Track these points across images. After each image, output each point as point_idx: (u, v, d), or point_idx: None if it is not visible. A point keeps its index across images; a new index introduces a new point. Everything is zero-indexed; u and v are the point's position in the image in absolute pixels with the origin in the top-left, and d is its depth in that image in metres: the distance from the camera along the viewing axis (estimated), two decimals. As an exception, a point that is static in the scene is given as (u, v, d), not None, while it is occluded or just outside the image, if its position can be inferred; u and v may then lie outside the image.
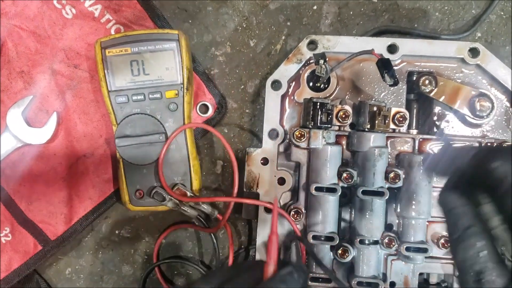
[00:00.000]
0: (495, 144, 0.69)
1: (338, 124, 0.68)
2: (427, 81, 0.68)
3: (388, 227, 0.69)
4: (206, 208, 0.73)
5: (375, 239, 0.66)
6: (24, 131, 0.75)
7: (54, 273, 0.81)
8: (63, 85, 0.76)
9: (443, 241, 0.69)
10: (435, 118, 0.71)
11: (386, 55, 0.70)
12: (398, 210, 0.68)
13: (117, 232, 0.81)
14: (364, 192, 0.65)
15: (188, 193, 0.72)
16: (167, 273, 0.81)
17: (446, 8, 0.77)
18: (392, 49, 0.70)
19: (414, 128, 0.71)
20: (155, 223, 0.80)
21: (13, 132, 0.75)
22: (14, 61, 0.76)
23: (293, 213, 0.69)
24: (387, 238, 0.66)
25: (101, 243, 0.81)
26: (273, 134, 0.72)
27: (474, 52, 0.70)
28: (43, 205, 0.76)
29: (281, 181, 0.72)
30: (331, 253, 0.69)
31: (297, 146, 0.68)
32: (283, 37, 0.78)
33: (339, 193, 0.66)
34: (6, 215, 0.76)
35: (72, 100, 0.76)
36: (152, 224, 0.80)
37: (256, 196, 0.72)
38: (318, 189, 0.66)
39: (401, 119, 0.67)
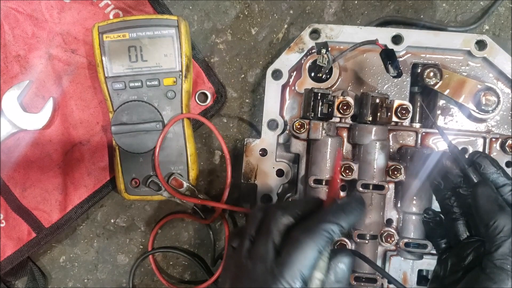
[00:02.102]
0: (499, 140, 0.68)
1: (339, 115, 0.67)
2: (431, 74, 0.67)
3: (387, 222, 0.68)
4: (202, 198, 0.72)
5: (374, 234, 0.65)
6: (19, 117, 0.74)
7: (48, 261, 0.80)
8: (60, 70, 0.75)
9: None
10: (439, 111, 0.70)
11: (391, 46, 0.68)
12: (399, 205, 0.67)
13: (112, 221, 0.80)
14: (363, 186, 0.64)
15: (185, 183, 0.71)
16: (162, 264, 0.80)
17: (453, -1, 0.75)
18: (396, 40, 0.69)
19: (417, 121, 0.70)
20: (151, 213, 0.79)
21: (9, 117, 0.74)
22: (10, 45, 0.75)
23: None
24: (386, 233, 0.65)
25: (96, 231, 0.80)
26: (272, 124, 0.71)
27: (481, 44, 0.68)
28: (37, 192, 0.75)
29: (280, 172, 0.71)
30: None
31: (297, 138, 0.67)
32: (286, 26, 0.77)
33: (339, 186, 0.65)
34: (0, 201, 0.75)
35: (69, 85, 0.75)
36: (148, 213, 0.79)
37: (254, 188, 0.71)
38: (317, 181, 0.65)
39: (404, 112, 0.65)
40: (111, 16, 0.75)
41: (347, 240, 0.66)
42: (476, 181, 0.54)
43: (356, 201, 0.51)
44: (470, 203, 0.54)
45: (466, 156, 0.57)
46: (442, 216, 0.63)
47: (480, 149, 0.68)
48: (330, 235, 0.47)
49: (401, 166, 0.65)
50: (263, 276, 0.47)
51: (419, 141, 0.68)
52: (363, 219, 0.53)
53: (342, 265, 0.48)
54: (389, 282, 0.69)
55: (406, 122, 0.68)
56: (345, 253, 0.49)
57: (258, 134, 0.73)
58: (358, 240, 0.65)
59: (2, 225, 0.76)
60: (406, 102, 0.66)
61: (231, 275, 0.51)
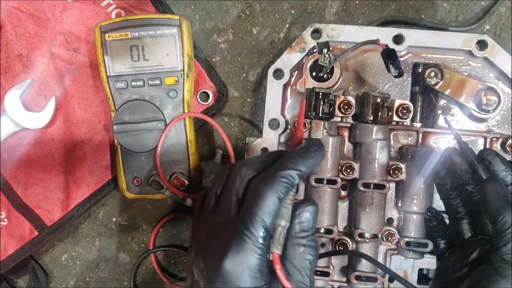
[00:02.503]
0: (500, 139, 0.68)
1: (341, 115, 0.67)
2: (432, 73, 0.67)
3: (388, 221, 0.68)
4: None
5: (375, 233, 0.66)
6: (22, 115, 0.74)
7: (50, 259, 0.81)
8: (62, 69, 0.75)
9: None
10: (439, 111, 0.70)
11: (392, 45, 0.68)
12: (400, 204, 0.67)
13: (114, 219, 0.80)
14: (364, 185, 0.64)
15: (186, 182, 0.71)
16: (163, 262, 0.81)
17: (454, -1, 0.75)
18: (398, 39, 0.69)
19: (418, 121, 0.70)
20: (152, 211, 0.80)
21: (11, 116, 0.74)
22: (13, 44, 0.75)
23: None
24: (387, 232, 0.66)
25: (98, 230, 0.80)
26: (274, 124, 0.71)
27: (482, 44, 0.68)
28: (39, 191, 0.76)
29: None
30: (330, 246, 0.68)
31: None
32: (287, 25, 0.77)
33: (339, 185, 0.65)
34: (2, 199, 0.76)
35: (71, 84, 0.75)
36: (150, 212, 0.80)
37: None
38: (318, 180, 0.65)
39: (405, 111, 0.66)
40: (113, 16, 0.75)
41: (348, 239, 0.67)
42: (485, 178, 0.54)
43: (313, 144, 0.52)
44: (477, 201, 0.54)
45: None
46: (443, 216, 0.63)
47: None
48: (288, 180, 0.48)
49: (402, 166, 0.65)
50: (227, 228, 0.48)
51: (420, 141, 0.68)
52: (323, 162, 0.53)
53: (307, 213, 0.49)
54: (390, 281, 0.70)
55: (407, 122, 0.68)
56: (309, 202, 0.50)
57: (260, 133, 0.73)
58: (358, 239, 0.66)
59: (4, 223, 0.76)
60: (407, 102, 0.66)
61: (197, 234, 0.52)
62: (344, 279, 0.70)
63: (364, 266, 0.66)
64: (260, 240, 0.46)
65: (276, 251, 0.47)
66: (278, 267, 0.46)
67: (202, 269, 0.48)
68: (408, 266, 0.70)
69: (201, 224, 0.52)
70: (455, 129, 0.59)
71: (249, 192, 0.49)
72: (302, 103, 0.59)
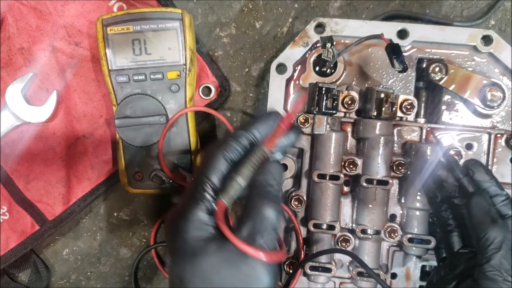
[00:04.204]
0: (504, 135, 0.67)
1: (344, 110, 0.67)
2: (437, 69, 0.66)
3: (391, 217, 0.68)
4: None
5: (378, 229, 0.65)
6: (23, 109, 0.74)
7: (51, 254, 0.81)
8: (64, 63, 0.75)
9: None
10: (444, 107, 0.69)
11: (396, 40, 0.67)
12: (403, 200, 0.67)
13: (115, 214, 0.80)
14: (367, 181, 0.64)
15: (188, 177, 0.71)
16: (164, 258, 0.80)
17: (459, -7, 0.75)
18: (402, 34, 0.68)
19: (422, 116, 0.69)
20: (153, 206, 0.80)
21: (12, 110, 0.73)
22: (15, 37, 0.74)
23: (294, 200, 0.68)
24: (389, 228, 0.65)
25: (99, 224, 0.80)
26: (276, 119, 0.71)
27: (487, 40, 0.68)
28: (41, 185, 0.75)
29: (284, 167, 0.71)
30: (333, 242, 0.68)
31: (301, 132, 0.67)
32: (290, 20, 0.76)
33: (342, 181, 0.65)
34: (3, 193, 0.76)
35: (73, 78, 0.75)
36: (151, 207, 0.80)
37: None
38: (321, 176, 0.65)
39: (409, 107, 0.65)
40: (115, 9, 0.74)
41: (350, 235, 0.66)
42: (470, 191, 0.55)
43: (271, 113, 0.53)
44: (463, 214, 0.55)
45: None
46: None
47: (485, 145, 0.68)
48: (235, 140, 0.49)
49: (405, 162, 0.65)
50: (183, 199, 0.49)
51: (423, 137, 0.68)
52: (325, 158, 0.55)
53: (271, 168, 0.49)
54: (393, 277, 0.69)
55: (411, 117, 0.68)
56: (274, 162, 0.50)
57: (262, 129, 0.73)
58: (361, 235, 0.65)
59: (5, 217, 0.76)
60: (411, 97, 0.66)
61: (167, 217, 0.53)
62: (347, 275, 0.70)
63: (366, 262, 0.66)
64: (205, 194, 0.47)
65: (220, 198, 0.47)
66: (219, 215, 0.46)
67: (167, 238, 0.50)
68: (410, 262, 0.70)
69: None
70: (442, 143, 0.60)
71: (202, 158, 0.51)
72: (302, 96, 0.60)
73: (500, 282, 0.48)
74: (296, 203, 0.68)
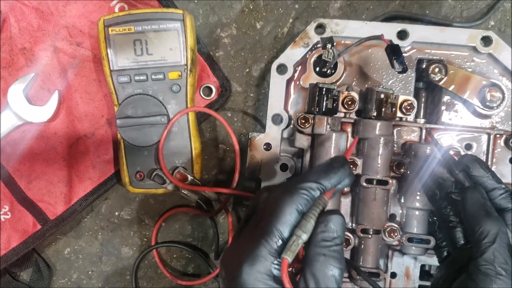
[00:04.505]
0: (504, 136, 0.68)
1: (344, 110, 0.67)
2: (437, 69, 0.67)
3: (391, 217, 0.68)
4: (206, 192, 0.72)
5: (378, 229, 0.65)
6: (25, 109, 0.74)
7: (53, 253, 0.81)
8: (65, 63, 0.75)
9: None
10: (443, 107, 0.70)
11: (396, 41, 0.68)
12: (402, 200, 0.67)
13: (116, 213, 0.80)
14: (367, 181, 0.64)
15: (189, 177, 0.71)
16: (165, 257, 0.81)
17: (459, -6, 0.75)
18: (402, 35, 0.69)
19: (421, 117, 0.70)
20: (155, 206, 0.80)
21: (14, 109, 0.74)
22: (16, 37, 0.75)
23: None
24: (389, 228, 0.65)
25: (101, 224, 0.80)
26: (277, 119, 0.71)
27: (486, 40, 0.68)
28: (42, 184, 0.76)
29: (284, 167, 0.71)
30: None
31: (301, 132, 0.67)
32: (291, 20, 0.76)
33: (343, 181, 0.65)
34: (5, 193, 0.76)
35: (74, 78, 0.75)
36: (152, 206, 0.80)
37: (258, 182, 0.71)
38: (321, 176, 0.65)
39: (408, 107, 0.66)
40: (116, 10, 0.75)
41: (350, 235, 0.67)
42: (466, 186, 0.54)
43: (336, 161, 0.52)
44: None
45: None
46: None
47: (485, 145, 0.68)
48: (308, 192, 0.48)
49: (405, 162, 0.65)
50: (248, 240, 0.48)
51: (423, 137, 0.68)
52: (350, 179, 0.53)
53: (330, 223, 0.48)
54: (392, 276, 0.70)
55: (411, 118, 0.68)
56: (334, 212, 0.49)
57: (263, 129, 0.73)
58: (361, 235, 0.65)
59: (7, 217, 0.76)
60: (411, 98, 0.66)
61: (228, 248, 0.53)
62: (346, 274, 0.70)
63: (366, 261, 0.66)
64: (275, 248, 0.46)
65: (285, 256, 0.46)
66: (284, 275, 0.45)
67: (224, 278, 0.49)
68: (410, 262, 0.70)
69: (234, 237, 0.53)
70: (437, 140, 0.60)
71: (269, 203, 0.49)
72: (354, 140, 0.63)
73: (493, 276, 0.48)
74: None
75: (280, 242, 0.46)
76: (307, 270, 0.46)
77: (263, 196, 0.53)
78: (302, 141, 0.68)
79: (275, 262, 0.46)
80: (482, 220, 0.50)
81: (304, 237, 0.47)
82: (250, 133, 0.71)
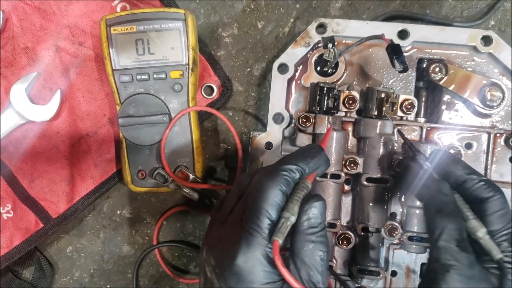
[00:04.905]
0: (504, 135, 0.68)
1: (345, 110, 0.67)
2: (437, 69, 0.67)
3: (391, 215, 0.69)
4: (213, 183, 0.72)
5: (378, 227, 0.66)
6: (27, 108, 0.74)
7: (55, 251, 0.81)
8: (68, 62, 0.75)
9: None
10: (444, 106, 0.70)
11: (397, 40, 0.68)
12: (403, 199, 0.68)
13: (118, 212, 0.81)
14: (368, 180, 0.65)
15: (191, 176, 0.72)
16: (167, 255, 0.81)
17: (459, -6, 0.75)
18: (402, 34, 0.69)
19: (422, 116, 0.70)
20: (156, 204, 0.80)
21: (17, 108, 0.74)
22: (19, 37, 0.75)
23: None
24: (390, 227, 0.66)
25: (103, 222, 0.81)
26: (278, 118, 0.71)
27: (486, 40, 0.68)
28: (45, 183, 0.76)
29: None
30: (333, 240, 0.68)
31: (302, 131, 0.68)
32: (292, 20, 0.77)
33: (343, 180, 0.66)
34: (8, 191, 0.76)
35: (76, 78, 0.76)
36: (154, 205, 0.80)
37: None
38: (322, 175, 0.65)
39: (409, 106, 0.66)
40: (118, 9, 0.75)
41: (351, 233, 0.67)
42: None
43: (313, 147, 0.54)
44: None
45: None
46: None
47: (485, 145, 0.68)
48: (288, 173, 0.49)
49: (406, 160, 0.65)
50: (237, 226, 0.48)
51: (423, 136, 0.68)
52: (326, 165, 0.54)
53: (314, 209, 0.48)
54: (393, 275, 0.70)
55: (411, 117, 0.69)
56: (316, 198, 0.49)
57: (264, 128, 0.74)
58: (362, 233, 0.66)
59: (10, 215, 0.77)
60: (412, 97, 0.66)
61: (209, 235, 0.53)
62: (347, 272, 0.70)
63: (366, 259, 0.67)
64: (267, 232, 0.46)
65: (276, 238, 0.46)
66: (276, 257, 0.45)
67: (214, 266, 0.48)
68: (410, 260, 0.71)
69: (215, 225, 0.53)
70: (407, 138, 0.61)
71: (251, 187, 0.49)
72: (329, 128, 0.64)
73: (440, 273, 0.48)
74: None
75: (270, 225, 0.47)
76: (297, 258, 0.47)
77: (245, 182, 0.53)
78: (303, 140, 0.69)
79: (269, 245, 0.46)
80: (432, 216, 0.51)
81: (292, 219, 0.47)
82: (251, 132, 0.72)
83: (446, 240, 0.48)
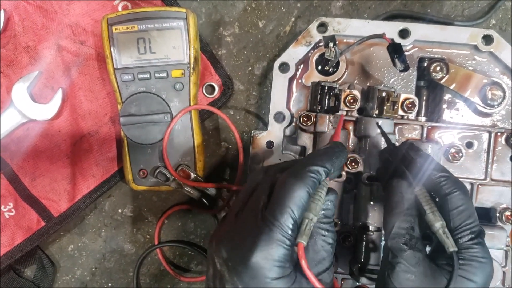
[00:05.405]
0: (505, 134, 0.68)
1: (346, 109, 0.67)
2: (438, 68, 0.67)
3: (392, 214, 0.69)
4: (209, 189, 0.73)
5: (379, 226, 0.66)
6: (29, 107, 0.74)
7: (57, 250, 0.81)
8: (69, 61, 0.76)
9: (508, 214, 0.67)
10: (445, 105, 0.70)
11: (398, 40, 0.68)
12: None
13: (120, 211, 0.81)
14: (369, 178, 0.65)
15: (192, 174, 0.72)
16: (168, 254, 0.81)
17: (460, -7, 0.75)
18: (403, 34, 0.69)
19: (423, 115, 0.70)
20: (158, 203, 0.80)
21: (18, 107, 0.74)
22: (20, 36, 0.75)
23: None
24: (391, 225, 0.66)
25: (104, 221, 0.81)
26: (279, 117, 0.71)
27: (487, 39, 0.68)
28: (46, 182, 0.76)
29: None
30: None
31: (303, 130, 0.68)
32: (293, 19, 0.77)
33: (344, 179, 0.66)
34: (10, 190, 0.76)
35: (78, 77, 0.76)
36: (155, 204, 0.80)
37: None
38: (323, 174, 0.65)
39: (410, 105, 0.66)
40: (119, 8, 0.75)
41: (351, 232, 0.67)
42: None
43: (337, 146, 0.56)
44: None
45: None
46: None
47: (485, 143, 0.68)
48: (316, 176, 0.49)
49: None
50: (255, 220, 0.48)
51: (424, 135, 0.68)
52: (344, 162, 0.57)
53: (329, 202, 0.52)
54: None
55: (412, 116, 0.69)
56: (332, 192, 0.52)
57: (265, 127, 0.74)
58: (362, 232, 0.66)
59: (11, 214, 0.77)
60: (412, 96, 0.66)
61: (220, 227, 0.53)
62: (348, 271, 0.71)
63: (367, 258, 0.67)
64: (289, 232, 0.46)
65: (301, 241, 0.46)
66: (303, 260, 0.46)
67: (226, 259, 0.48)
68: (411, 259, 0.70)
69: (228, 218, 0.53)
70: (385, 132, 0.62)
71: (278, 186, 0.49)
72: (341, 117, 0.64)
73: (389, 269, 0.50)
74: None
75: (293, 225, 0.47)
76: (312, 246, 0.50)
77: (259, 177, 0.53)
78: (304, 139, 0.69)
79: (289, 244, 0.47)
80: (385, 215, 0.53)
81: (315, 219, 0.48)
82: (252, 131, 0.72)
83: (393, 238, 0.50)
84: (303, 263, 0.45)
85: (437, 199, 0.52)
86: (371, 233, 0.66)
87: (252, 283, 0.46)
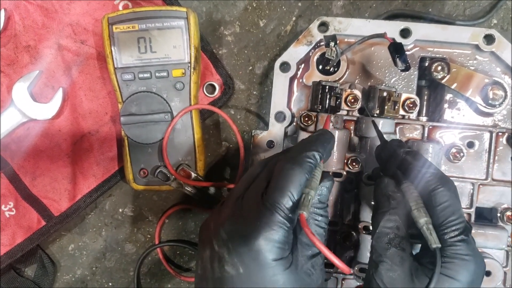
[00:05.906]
0: (506, 134, 0.68)
1: (347, 108, 0.67)
2: (439, 68, 0.67)
3: (393, 214, 0.69)
4: (210, 188, 0.72)
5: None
6: (29, 106, 0.74)
7: (57, 249, 0.81)
8: (70, 60, 0.76)
9: (509, 214, 0.67)
10: (446, 105, 0.70)
11: (399, 39, 0.68)
12: (404, 197, 0.68)
13: (120, 210, 0.81)
14: (369, 178, 0.65)
15: (193, 174, 0.72)
16: (169, 253, 0.81)
17: (462, -7, 0.75)
18: (405, 33, 0.69)
19: (424, 115, 0.70)
20: (158, 203, 0.80)
21: (19, 107, 0.74)
22: (21, 35, 0.75)
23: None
24: (391, 225, 0.66)
25: (105, 220, 0.81)
26: (280, 117, 0.71)
27: (489, 39, 0.68)
28: (47, 181, 0.76)
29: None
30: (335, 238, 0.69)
31: (304, 130, 0.68)
32: (294, 18, 0.77)
33: (345, 178, 0.66)
34: (10, 189, 0.76)
35: (78, 76, 0.76)
36: (156, 203, 0.80)
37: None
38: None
39: (411, 105, 0.66)
40: (120, 8, 0.75)
41: (352, 232, 0.67)
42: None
43: (326, 132, 0.58)
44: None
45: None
46: None
47: (487, 143, 0.68)
48: (313, 160, 0.52)
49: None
50: (255, 204, 0.50)
51: (425, 135, 0.68)
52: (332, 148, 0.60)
53: (324, 188, 0.54)
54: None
55: (413, 116, 0.69)
56: (327, 178, 0.54)
57: (266, 126, 0.74)
58: (363, 232, 0.66)
59: (12, 213, 0.77)
60: (414, 96, 0.66)
61: (218, 211, 0.54)
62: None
63: (368, 258, 0.67)
64: (290, 214, 0.48)
65: (302, 211, 0.48)
66: (306, 228, 0.47)
67: (226, 240, 0.49)
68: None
69: (228, 204, 0.54)
70: (379, 129, 0.63)
71: (276, 171, 0.51)
72: (327, 117, 0.64)
73: (372, 266, 0.51)
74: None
75: (293, 207, 0.49)
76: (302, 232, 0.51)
77: (258, 170, 0.55)
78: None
79: (289, 226, 0.48)
80: (373, 212, 0.55)
81: (312, 193, 0.50)
82: (253, 131, 0.72)
83: (378, 237, 0.51)
84: (307, 230, 0.46)
85: None
86: (372, 233, 0.66)
87: (252, 264, 0.47)
